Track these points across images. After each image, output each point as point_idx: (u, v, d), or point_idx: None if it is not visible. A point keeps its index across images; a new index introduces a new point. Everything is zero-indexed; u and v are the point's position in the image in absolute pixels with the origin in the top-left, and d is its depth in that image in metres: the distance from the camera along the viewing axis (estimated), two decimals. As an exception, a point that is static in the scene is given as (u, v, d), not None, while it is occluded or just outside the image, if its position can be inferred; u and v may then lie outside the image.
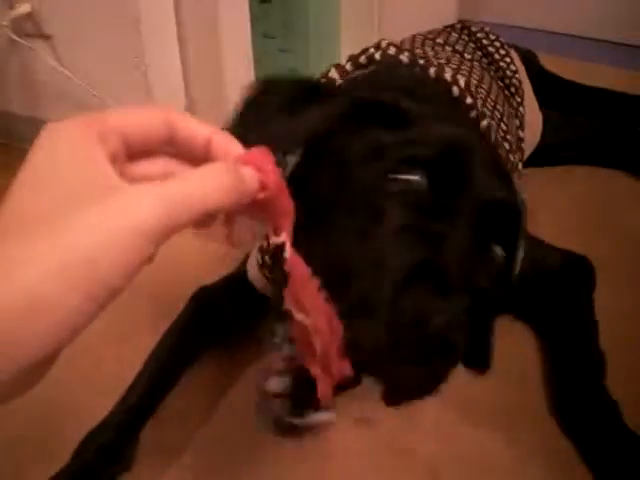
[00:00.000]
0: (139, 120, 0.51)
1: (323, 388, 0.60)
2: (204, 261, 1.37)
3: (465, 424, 1.02)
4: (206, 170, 0.49)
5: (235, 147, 0.53)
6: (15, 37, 1.64)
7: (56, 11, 1.62)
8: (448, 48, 1.35)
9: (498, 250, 0.79)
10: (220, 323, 1.16)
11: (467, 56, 1.35)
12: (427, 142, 0.77)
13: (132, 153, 0.52)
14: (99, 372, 1.13)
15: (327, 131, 0.82)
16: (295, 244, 0.56)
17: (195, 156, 0.53)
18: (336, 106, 0.85)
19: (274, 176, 0.52)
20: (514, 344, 1.16)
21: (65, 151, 0.47)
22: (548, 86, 1.67)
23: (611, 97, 1.79)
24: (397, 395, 0.74)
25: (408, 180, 0.75)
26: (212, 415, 1.05)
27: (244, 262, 1.16)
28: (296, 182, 0.79)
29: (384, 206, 0.74)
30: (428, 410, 1.05)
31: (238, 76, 1.65)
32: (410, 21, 1.85)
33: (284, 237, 0.55)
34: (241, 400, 1.07)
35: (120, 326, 1.21)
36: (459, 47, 1.37)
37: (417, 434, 1.01)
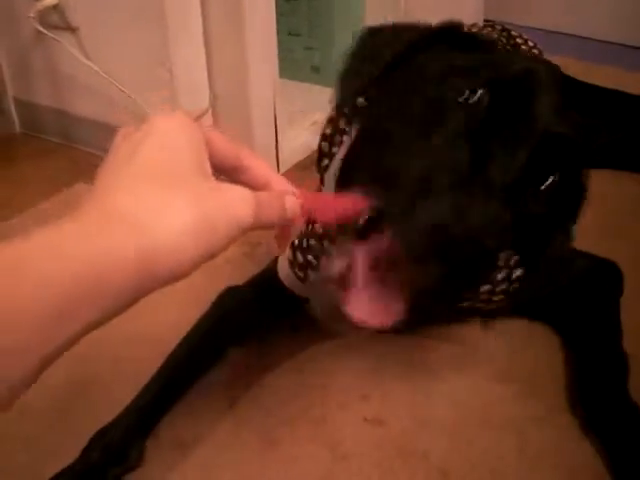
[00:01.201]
0: (223, 144, 0.62)
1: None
2: (231, 261, 1.37)
3: (478, 427, 1.02)
4: (282, 194, 0.62)
5: (290, 187, 0.65)
6: (41, 29, 1.66)
7: (82, 3, 1.63)
8: None
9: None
10: (246, 323, 1.16)
11: None
12: (501, 66, 0.81)
13: None
14: (117, 371, 1.13)
15: (408, 50, 0.87)
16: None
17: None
18: (425, 30, 0.92)
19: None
20: (532, 349, 1.16)
21: (187, 138, 0.56)
22: (572, 92, 1.66)
23: (633, 100, 1.78)
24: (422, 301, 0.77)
25: (470, 97, 0.78)
26: (228, 412, 1.05)
27: (274, 261, 1.16)
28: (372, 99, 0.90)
29: (444, 115, 0.77)
30: (440, 412, 1.05)
31: (262, 74, 1.65)
32: (436, 20, 1.84)
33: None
34: (260, 398, 1.08)
35: (138, 326, 1.21)
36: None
37: (429, 436, 1.01)
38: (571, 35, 2.62)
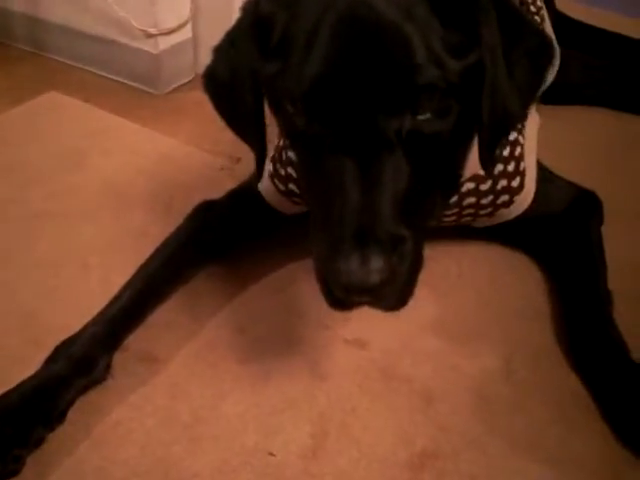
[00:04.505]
0: None
1: None
2: (205, 174, 1.32)
3: (464, 355, 0.98)
4: None
5: None
6: None
7: None
8: None
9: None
10: (222, 238, 1.11)
11: None
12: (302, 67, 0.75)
13: None
14: (84, 278, 1.08)
15: None
16: None
17: None
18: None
19: None
20: (519, 279, 1.13)
21: None
22: (565, 27, 1.63)
23: (627, 42, 1.75)
24: None
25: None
26: (200, 328, 1.01)
27: (254, 175, 1.11)
28: None
29: None
30: (423, 338, 1.01)
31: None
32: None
33: None
34: (234, 316, 1.03)
35: (108, 234, 1.17)
36: None
37: (411, 361, 0.97)
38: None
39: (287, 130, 0.82)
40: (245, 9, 0.85)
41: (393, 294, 0.75)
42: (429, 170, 0.78)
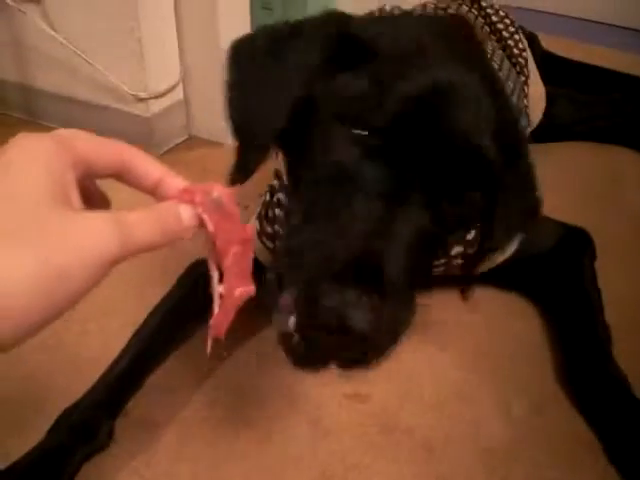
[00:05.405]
0: (102, 153, 0.54)
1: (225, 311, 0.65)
2: (199, 233, 1.32)
3: (463, 402, 0.99)
4: (153, 212, 0.54)
5: (182, 186, 0.57)
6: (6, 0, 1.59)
7: (48, -27, 1.57)
8: None
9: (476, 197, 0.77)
10: None
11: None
12: (389, 95, 0.73)
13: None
14: (83, 344, 1.08)
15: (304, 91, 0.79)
16: None
17: (142, 190, 0.58)
18: (312, 51, 0.80)
19: (214, 214, 0.58)
20: (517, 323, 1.14)
21: (42, 169, 0.48)
22: (551, 66, 1.66)
23: (614, 77, 1.78)
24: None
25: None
26: (199, 389, 1.01)
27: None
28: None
29: (347, 187, 0.74)
30: (422, 387, 1.01)
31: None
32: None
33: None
34: (232, 376, 1.03)
35: (105, 297, 1.17)
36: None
37: (411, 412, 0.97)
38: (554, 14, 2.63)
39: (317, 154, 0.78)
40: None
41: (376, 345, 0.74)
42: (435, 244, 0.80)
